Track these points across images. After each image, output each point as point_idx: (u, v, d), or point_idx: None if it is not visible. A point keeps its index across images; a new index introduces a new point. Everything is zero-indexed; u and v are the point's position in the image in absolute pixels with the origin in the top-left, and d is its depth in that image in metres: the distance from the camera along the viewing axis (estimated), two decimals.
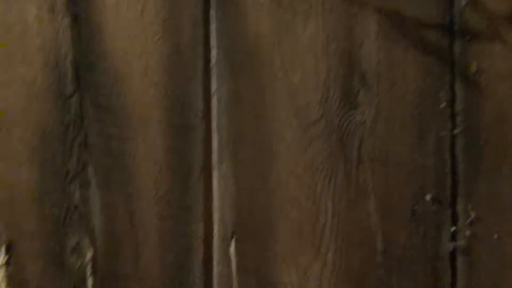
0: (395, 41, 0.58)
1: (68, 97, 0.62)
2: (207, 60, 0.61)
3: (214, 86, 0.61)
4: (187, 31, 0.61)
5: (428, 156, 0.59)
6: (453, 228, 0.58)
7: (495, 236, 0.58)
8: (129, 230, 0.62)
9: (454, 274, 0.59)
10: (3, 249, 0.63)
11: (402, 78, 0.59)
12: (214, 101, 0.61)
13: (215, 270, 0.61)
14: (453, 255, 0.59)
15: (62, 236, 0.62)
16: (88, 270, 0.62)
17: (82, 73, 0.62)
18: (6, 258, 0.63)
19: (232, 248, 0.61)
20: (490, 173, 0.58)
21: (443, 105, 0.58)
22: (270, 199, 0.60)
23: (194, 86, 0.61)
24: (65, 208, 0.62)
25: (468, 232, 0.58)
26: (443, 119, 0.59)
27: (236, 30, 0.60)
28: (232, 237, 0.61)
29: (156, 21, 0.61)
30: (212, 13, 0.60)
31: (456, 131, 0.59)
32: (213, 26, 0.61)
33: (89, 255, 0.62)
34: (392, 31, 0.58)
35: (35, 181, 0.63)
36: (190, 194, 0.61)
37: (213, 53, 0.61)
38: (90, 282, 0.62)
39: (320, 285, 0.60)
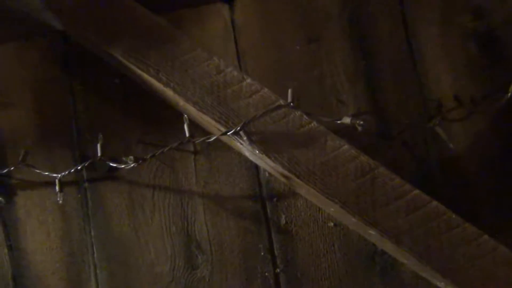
0: (219, 215, 0.80)
1: None
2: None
3: None
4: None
5: None
6: None
7: None
8: None
9: None
10: None
11: (228, 240, 0.80)
12: None
13: None
14: None
15: None
16: None
17: None
18: None
19: None
20: None
21: (263, 252, 0.79)
22: None
23: None
24: None
25: None
26: (266, 263, 0.79)
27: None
28: None
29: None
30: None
31: (278, 270, 0.79)
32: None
33: None
34: (215, 207, 0.80)
35: None
36: None
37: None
38: None
39: None
